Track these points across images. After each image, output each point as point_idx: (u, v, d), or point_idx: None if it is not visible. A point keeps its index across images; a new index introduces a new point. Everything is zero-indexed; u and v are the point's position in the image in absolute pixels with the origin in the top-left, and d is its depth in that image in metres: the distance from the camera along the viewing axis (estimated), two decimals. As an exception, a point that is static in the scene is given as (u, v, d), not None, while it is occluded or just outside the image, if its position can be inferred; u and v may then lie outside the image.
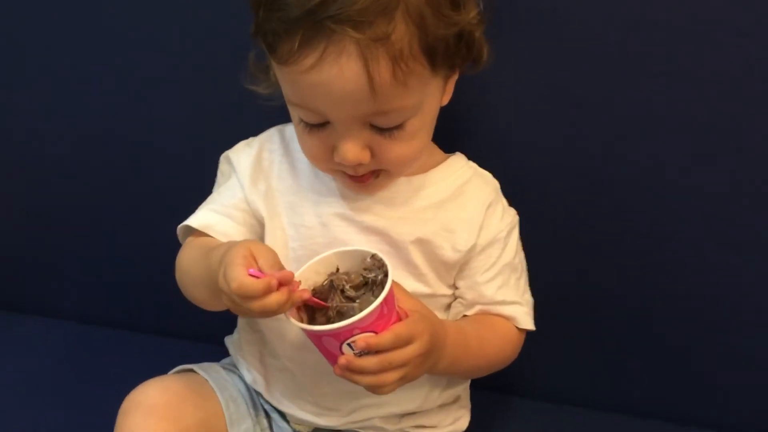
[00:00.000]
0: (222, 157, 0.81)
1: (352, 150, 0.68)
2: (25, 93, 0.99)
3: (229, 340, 0.87)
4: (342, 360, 0.64)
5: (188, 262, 0.75)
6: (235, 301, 0.63)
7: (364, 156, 0.69)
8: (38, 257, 1.07)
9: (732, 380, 0.91)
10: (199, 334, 0.99)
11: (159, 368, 0.82)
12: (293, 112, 0.71)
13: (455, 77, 0.74)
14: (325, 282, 0.68)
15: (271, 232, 0.76)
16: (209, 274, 0.67)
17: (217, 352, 0.88)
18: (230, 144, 0.82)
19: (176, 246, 0.79)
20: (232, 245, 0.66)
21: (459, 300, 0.80)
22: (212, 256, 0.68)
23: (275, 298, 0.62)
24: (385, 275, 0.65)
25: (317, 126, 0.69)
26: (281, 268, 0.65)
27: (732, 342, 0.89)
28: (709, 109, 0.82)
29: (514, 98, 0.86)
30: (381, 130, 0.68)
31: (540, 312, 0.81)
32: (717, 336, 0.89)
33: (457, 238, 0.76)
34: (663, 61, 0.82)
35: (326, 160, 0.71)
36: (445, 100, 0.74)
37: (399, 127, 0.68)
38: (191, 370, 0.83)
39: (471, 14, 0.69)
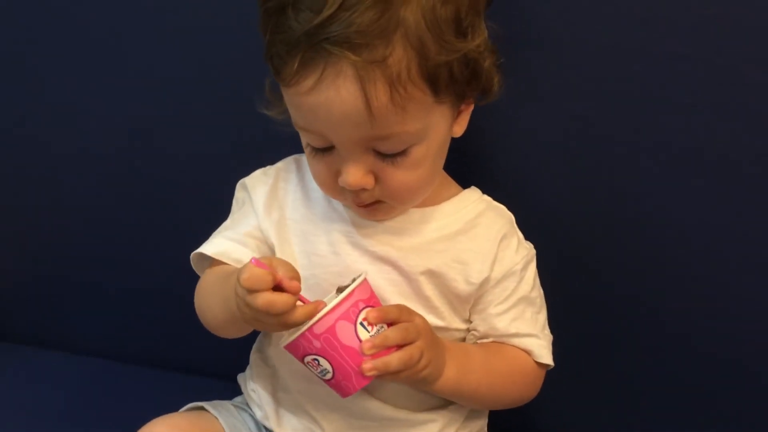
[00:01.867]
0: (238, 184, 0.82)
1: (355, 174, 0.67)
2: (42, 128, 1.00)
3: (241, 378, 0.86)
4: (366, 343, 0.65)
5: (208, 287, 0.76)
6: (248, 304, 0.63)
7: (367, 181, 0.68)
8: (53, 291, 1.08)
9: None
10: (213, 371, 0.98)
11: (170, 405, 0.81)
12: (302, 137, 0.71)
13: (470, 108, 0.72)
14: None
15: None
16: (228, 296, 0.68)
17: (230, 390, 0.87)
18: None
19: (192, 280, 0.79)
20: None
21: (472, 333, 0.77)
22: (231, 279, 0.68)
23: (283, 298, 0.63)
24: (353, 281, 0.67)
25: (323, 150, 0.69)
26: (299, 280, 0.65)
27: None
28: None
29: (533, 134, 0.84)
30: (384, 156, 0.68)
31: (560, 349, 0.78)
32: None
33: (469, 270, 0.75)
34: (687, 93, 0.79)
35: (332, 185, 0.71)
36: (458, 132, 0.73)
37: (402, 153, 0.68)
38: (202, 408, 0.82)
39: (476, 42, 0.68)
